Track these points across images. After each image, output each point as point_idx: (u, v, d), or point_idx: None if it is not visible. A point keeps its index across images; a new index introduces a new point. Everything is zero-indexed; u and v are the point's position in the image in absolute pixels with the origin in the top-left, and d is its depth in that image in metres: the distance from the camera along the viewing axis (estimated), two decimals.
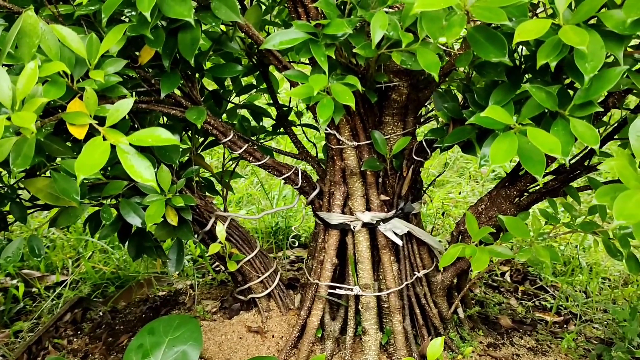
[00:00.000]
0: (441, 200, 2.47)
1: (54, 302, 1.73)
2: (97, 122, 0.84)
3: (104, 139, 0.81)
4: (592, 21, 0.86)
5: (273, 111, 1.45)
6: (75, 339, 1.51)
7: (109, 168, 1.11)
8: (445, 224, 2.26)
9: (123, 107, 0.83)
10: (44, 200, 1.00)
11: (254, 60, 1.29)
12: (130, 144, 0.81)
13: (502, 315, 1.53)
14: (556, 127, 0.84)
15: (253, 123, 1.48)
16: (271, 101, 1.37)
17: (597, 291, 1.76)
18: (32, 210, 1.14)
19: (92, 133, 0.84)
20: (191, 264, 1.92)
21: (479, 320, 1.43)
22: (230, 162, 1.49)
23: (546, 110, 0.88)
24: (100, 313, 1.63)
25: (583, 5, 0.79)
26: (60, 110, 0.87)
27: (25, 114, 0.74)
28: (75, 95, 0.87)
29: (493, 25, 0.85)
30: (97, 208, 1.15)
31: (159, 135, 0.80)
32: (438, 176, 1.73)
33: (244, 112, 1.50)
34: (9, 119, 0.74)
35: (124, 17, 0.99)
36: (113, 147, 0.80)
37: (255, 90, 1.45)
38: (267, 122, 1.53)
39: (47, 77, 0.82)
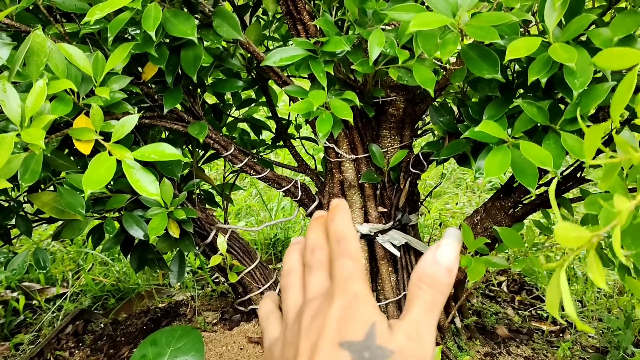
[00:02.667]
0: (438, 211, 2.50)
1: (55, 314, 1.74)
2: (102, 137, 0.86)
3: (110, 154, 0.83)
4: (582, 38, 0.89)
5: (272, 124, 1.47)
6: (76, 351, 1.52)
7: (112, 182, 1.13)
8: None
9: (128, 123, 0.86)
10: (49, 214, 1.02)
11: (253, 74, 1.32)
12: (135, 159, 0.83)
13: (499, 324, 1.55)
14: (548, 141, 0.87)
15: (253, 136, 1.51)
16: (270, 114, 1.40)
17: (592, 300, 1.78)
18: (36, 223, 1.16)
19: (97, 149, 0.87)
20: (191, 275, 1.94)
21: (476, 330, 1.45)
22: (230, 175, 1.52)
23: (538, 125, 0.91)
24: (102, 325, 1.65)
25: (572, 24, 0.82)
26: (66, 127, 0.89)
27: (34, 130, 0.77)
28: (81, 111, 0.89)
29: (486, 43, 0.88)
30: (100, 221, 1.17)
31: (163, 151, 0.83)
32: (435, 187, 1.75)
33: (243, 125, 1.53)
34: (18, 135, 0.76)
35: (128, 35, 1.02)
36: (118, 162, 0.83)
37: (254, 103, 1.48)
38: (266, 135, 1.56)
39: (54, 94, 0.85)
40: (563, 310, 1.70)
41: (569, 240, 0.45)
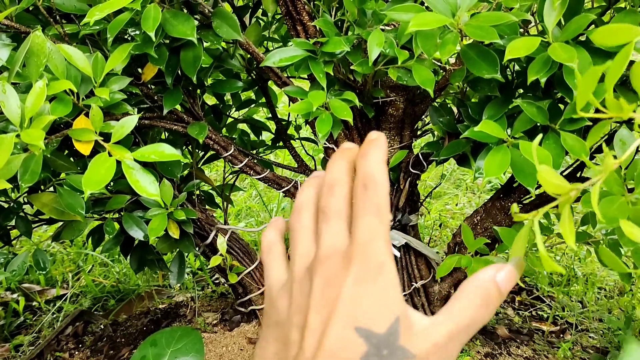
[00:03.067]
0: (438, 212, 2.50)
1: (55, 315, 1.74)
2: (102, 138, 0.86)
3: (110, 155, 0.83)
4: (582, 38, 0.90)
5: (272, 125, 1.47)
6: (76, 352, 1.52)
7: (112, 183, 1.13)
8: (442, 235, 2.28)
9: (128, 123, 0.86)
10: (49, 215, 1.01)
11: (253, 75, 1.32)
12: (135, 160, 0.83)
13: (499, 325, 1.55)
14: (547, 141, 0.87)
15: (253, 137, 1.51)
16: (270, 115, 1.40)
17: (593, 301, 1.78)
18: (36, 224, 1.16)
19: (97, 149, 0.87)
20: (191, 276, 1.94)
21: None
22: (230, 176, 1.52)
23: (538, 125, 0.91)
24: (102, 326, 1.65)
25: (571, 24, 0.82)
26: (66, 127, 0.89)
27: (34, 131, 0.77)
28: (80, 112, 0.89)
29: (485, 43, 0.88)
30: (99, 222, 1.17)
31: (162, 151, 0.83)
32: (435, 188, 1.75)
33: (243, 126, 1.53)
34: (18, 136, 0.76)
35: (127, 36, 1.02)
36: (118, 162, 0.83)
37: (254, 104, 1.48)
38: (266, 136, 1.56)
39: (54, 95, 0.85)
40: (564, 310, 1.69)
41: (550, 185, 0.45)
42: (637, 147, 0.87)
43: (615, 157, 0.81)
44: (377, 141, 0.34)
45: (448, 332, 0.30)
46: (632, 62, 0.49)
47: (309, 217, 0.35)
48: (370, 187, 0.32)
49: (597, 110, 0.46)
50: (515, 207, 0.47)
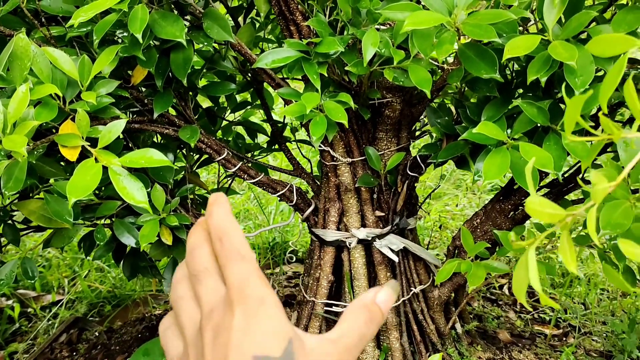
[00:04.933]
0: (438, 213, 2.47)
1: (50, 322, 1.71)
2: (89, 143, 0.84)
3: (96, 160, 0.81)
4: (583, 36, 0.87)
5: (268, 127, 1.45)
6: None
7: (103, 188, 1.10)
8: (442, 237, 2.25)
9: (115, 128, 0.83)
10: (37, 222, 0.99)
11: (248, 77, 1.29)
12: (124, 166, 0.81)
13: (500, 329, 1.52)
14: (548, 142, 0.84)
15: (248, 140, 1.48)
16: (265, 118, 1.38)
17: (595, 303, 1.75)
18: (25, 232, 1.13)
19: (85, 154, 0.84)
20: None
21: (477, 335, 1.42)
22: (226, 179, 1.49)
23: (538, 125, 0.88)
24: (96, 333, 1.62)
25: (572, 21, 0.79)
26: (52, 132, 0.87)
27: (17, 137, 0.74)
28: (67, 117, 0.87)
29: (483, 41, 0.86)
30: (91, 228, 1.15)
31: (151, 157, 0.80)
32: (434, 190, 1.73)
33: (238, 128, 1.50)
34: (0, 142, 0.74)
35: (117, 37, 0.99)
36: (105, 168, 0.80)
37: (249, 106, 1.46)
38: (262, 138, 1.53)
39: (39, 100, 0.82)
40: (566, 313, 1.67)
41: (543, 215, 0.43)
42: None
43: (617, 159, 0.77)
44: (218, 199, 0.36)
45: (343, 346, 0.34)
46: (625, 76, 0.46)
47: (185, 288, 0.37)
48: (224, 237, 0.34)
49: (587, 132, 0.43)
50: (513, 235, 0.46)
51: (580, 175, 1.13)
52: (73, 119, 0.85)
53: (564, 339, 1.55)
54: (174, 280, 0.38)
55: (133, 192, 0.78)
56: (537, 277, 0.42)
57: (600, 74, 0.88)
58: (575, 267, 0.44)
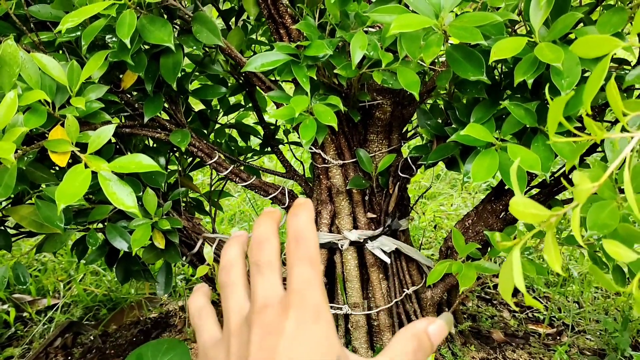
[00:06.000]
0: (433, 213, 2.47)
1: (46, 326, 1.71)
2: (79, 149, 0.84)
3: (86, 166, 0.81)
4: (571, 36, 0.87)
5: (261, 130, 1.45)
6: None
7: (95, 193, 1.10)
8: (437, 237, 2.26)
9: (104, 133, 0.84)
10: (28, 228, 0.99)
11: (240, 80, 1.29)
12: (113, 172, 0.81)
13: (494, 329, 1.53)
14: (536, 143, 0.85)
15: (240, 143, 1.48)
16: (258, 120, 1.38)
17: (589, 301, 1.76)
18: (17, 237, 1.13)
19: (75, 159, 0.85)
20: (183, 283, 1.91)
21: (470, 335, 1.43)
22: (219, 182, 1.49)
23: (527, 127, 0.89)
24: (91, 337, 1.62)
25: (558, 23, 0.80)
26: (42, 138, 0.87)
27: (5, 144, 0.74)
28: (57, 122, 0.87)
29: (471, 44, 0.86)
30: (83, 233, 1.15)
31: (140, 162, 0.81)
32: (427, 190, 1.73)
33: (233, 131, 1.50)
34: None
35: (107, 42, 0.99)
36: (95, 173, 0.80)
37: (242, 109, 1.46)
38: (255, 141, 1.53)
39: (28, 106, 0.82)
40: (560, 311, 1.67)
41: (526, 216, 0.43)
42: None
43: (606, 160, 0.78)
44: (306, 204, 0.36)
45: None
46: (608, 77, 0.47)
47: (238, 274, 0.36)
48: (302, 241, 0.34)
49: (570, 132, 0.43)
50: (498, 236, 0.46)
51: (568, 176, 1.13)
52: (63, 125, 0.85)
53: (558, 337, 1.55)
54: (225, 261, 0.37)
55: (122, 197, 0.78)
56: (521, 278, 0.43)
57: (587, 74, 0.88)
58: (560, 267, 0.45)
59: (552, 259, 0.46)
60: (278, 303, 0.32)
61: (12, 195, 1.08)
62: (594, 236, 1.00)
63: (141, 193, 1.06)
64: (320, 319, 0.31)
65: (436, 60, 1.07)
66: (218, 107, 1.42)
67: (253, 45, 1.39)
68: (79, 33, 0.93)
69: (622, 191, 0.73)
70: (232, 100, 1.47)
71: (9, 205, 1.07)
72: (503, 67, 0.99)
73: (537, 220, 0.45)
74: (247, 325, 0.32)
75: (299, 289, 0.32)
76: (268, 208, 0.38)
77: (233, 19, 1.30)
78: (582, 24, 0.89)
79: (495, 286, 1.85)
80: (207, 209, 1.48)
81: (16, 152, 0.75)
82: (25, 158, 0.90)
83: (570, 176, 1.14)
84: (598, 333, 1.57)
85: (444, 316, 0.37)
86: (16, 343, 1.67)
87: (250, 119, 1.62)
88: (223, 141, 1.44)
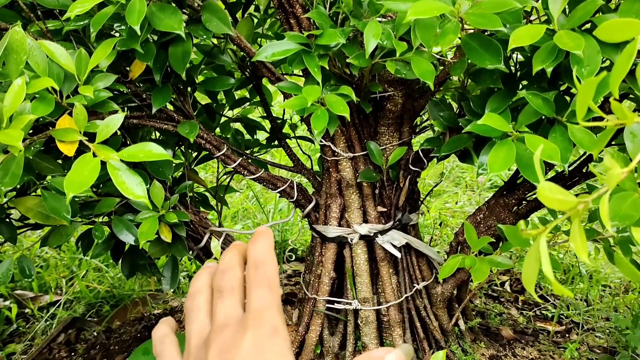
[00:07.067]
0: (438, 211, 2.46)
1: (48, 322, 1.69)
2: (87, 138, 0.82)
3: (94, 155, 0.79)
4: (587, 26, 0.86)
5: (267, 124, 1.43)
6: None
7: (101, 185, 1.09)
8: (443, 234, 2.24)
9: (113, 122, 0.82)
10: (34, 220, 0.97)
11: (246, 73, 1.28)
12: (122, 160, 0.79)
13: (503, 326, 1.51)
14: (554, 134, 0.83)
15: (247, 136, 1.47)
16: (265, 114, 1.36)
17: (598, 299, 1.74)
18: (22, 230, 1.12)
19: (82, 150, 0.83)
20: (187, 280, 1.90)
21: (480, 332, 1.41)
22: (225, 177, 1.47)
23: (543, 117, 0.87)
24: (95, 333, 1.60)
25: (577, 10, 0.78)
26: (49, 127, 0.85)
27: (13, 131, 0.73)
28: (64, 111, 0.85)
29: (487, 32, 0.84)
30: (89, 226, 1.13)
31: (150, 150, 0.79)
32: (435, 186, 1.71)
33: (237, 125, 1.49)
34: None
35: (114, 31, 0.98)
36: (104, 163, 0.79)
37: (248, 103, 1.44)
38: (262, 136, 1.52)
39: (35, 94, 0.81)
40: (569, 309, 1.66)
41: (554, 202, 0.41)
42: None
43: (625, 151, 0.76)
44: (266, 232, 0.39)
45: None
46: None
47: (203, 300, 0.38)
48: (261, 266, 0.36)
49: (598, 117, 0.42)
50: (522, 224, 0.44)
51: (586, 169, 1.12)
52: (70, 114, 0.83)
53: (567, 335, 1.54)
54: (193, 289, 0.40)
55: (132, 187, 0.76)
56: (549, 265, 0.41)
57: (606, 64, 0.87)
58: (587, 255, 0.43)
59: (578, 247, 0.44)
60: (237, 323, 0.34)
61: (18, 186, 1.06)
62: (613, 228, 0.98)
63: (148, 186, 1.05)
64: (277, 336, 0.33)
65: (445, 54, 1.06)
66: (224, 102, 1.40)
67: (259, 39, 1.38)
68: (86, 21, 0.91)
69: None
70: (237, 95, 1.45)
71: (13, 197, 1.05)
72: (518, 57, 0.97)
73: (565, 207, 0.43)
74: (206, 345, 0.35)
75: (256, 309, 0.34)
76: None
77: (239, 13, 1.28)
78: (600, 13, 0.87)
79: (503, 284, 1.83)
80: (212, 204, 1.46)
81: (23, 140, 0.74)
82: (32, 148, 0.88)
83: (583, 170, 1.12)
84: (607, 331, 1.55)
85: (404, 347, 0.39)
86: (18, 339, 1.65)
87: (253, 115, 1.60)
88: (230, 135, 1.43)
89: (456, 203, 2.59)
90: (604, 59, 0.77)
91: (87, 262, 2.00)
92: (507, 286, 1.83)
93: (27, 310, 1.78)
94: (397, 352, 0.36)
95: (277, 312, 0.34)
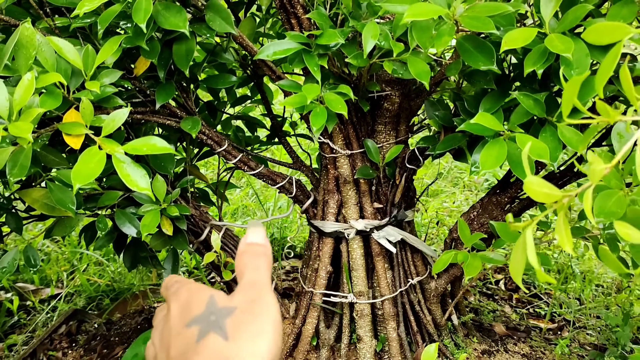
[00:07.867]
0: (435, 210, 2.49)
1: (49, 315, 1.72)
2: (93, 132, 0.85)
3: (100, 148, 0.82)
4: (579, 29, 0.88)
5: (268, 122, 1.46)
6: (70, 351, 1.50)
7: (105, 179, 1.11)
8: (439, 233, 2.27)
9: (119, 116, 0.85)
10: (40, 211, 1.00)
11: (248, 71, 1.30)
12: (126, 153, 0.82)
13: (496, 322, 1.54)
14: (544, 133, 0.86)
15: (248, 133, 1.50)
16: (265, 112, 1.39)
17: (590, 298, 1.77)
18: (28, 221, 1.14)
19: (87, 143, 0.86)
20: (186, 275, 1.92)
21: (473, 327, 1.44)
22: (225, 173, 1.50)
23: (535, 117, 0.90)
24: (95, 325, 1.63)
25: (568, 14, 0.81)
26: (56, 121, 0.88)
27: (22, 124, 0.75)
28: (71, 106, 0.88)
29: (482, 34, 0.87)
30: (92, 219, 1.16)
31: (154, 144, 0.82)
32: (430, 184, 1.74)
33: (238, 122, 1.51)
34: (5, 129, 0.75)
35: (120, 29, 1.01)
36: (109, 156, 0.82)
37: (249, 101, 1.47)
38: (262, 133, 1.55)
39: (43, 88, 0.83)
40: (561, 307, 1.68)
41: (540, 195, 0.44)
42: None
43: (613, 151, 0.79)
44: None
45: (249, 281, 0.42)
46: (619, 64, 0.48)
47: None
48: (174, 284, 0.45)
49: (587, 118, 0.44)
50: (510, 217, 0.47)
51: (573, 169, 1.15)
52: (77, 108, 0.86)
53: (559, 332, 1.57)
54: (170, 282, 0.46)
55: (136, 179, 0.79)
56: (534, 255, 0.43)
57: (596, 67, 0.90)
58: (571, 246, 0.46)
59: (563, 238, 0.47)
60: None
61: (24, 178, 1.09)
62: (599, 224, 1.01)
63: (150, 180, 1.07)
64: (195, 287, 0.42)
65: (442, 55, 1.09)
66: (225, 99, 1.43)
67: (261, 38, 1.41)
68: (93, 19, 0.94)
69: (629, 185, 0.74)
70: (238, 93, 1.48)
71: (18, 189, 1.08)
72: (511, 59, 1.00)
73: (550, 200, 0.46)
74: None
75: (171, 296, 0.43)
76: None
77: (241, 12, 1.31)
78: (591, 17, 0.90)
79: (497, 282, 1.86)
80: (213, 199, 1.49)
81: (32, 133, 0.76)
82: (40, 140, 0.91)
83: (575, 170, 1.15)
84: (599, 329, 1.58)
85: (252, 223, 0.47)
86: (19, 331, 1.68)
87: (254, 113, 1.63)
88: (230, 132, 1.46)
89: (453, 203, 2.62)
90: (594, 61, 0.80)
91: (87, 256, 2.03)
92: (501, 284, 1.85)
93: (28, 303, 1.80)
94: (254, 230, 0.46)
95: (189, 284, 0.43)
